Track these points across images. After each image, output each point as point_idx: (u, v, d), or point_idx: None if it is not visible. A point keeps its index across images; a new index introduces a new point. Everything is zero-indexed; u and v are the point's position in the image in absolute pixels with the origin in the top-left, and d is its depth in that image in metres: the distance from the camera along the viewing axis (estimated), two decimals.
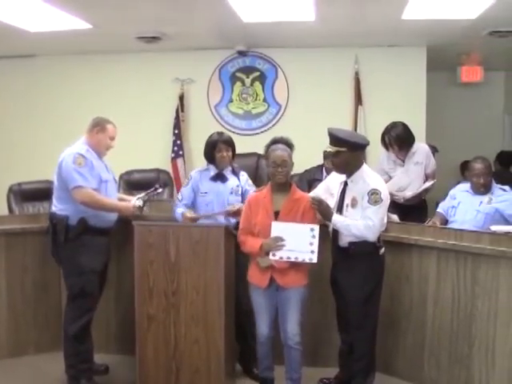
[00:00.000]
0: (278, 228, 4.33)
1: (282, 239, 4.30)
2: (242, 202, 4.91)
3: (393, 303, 4.99)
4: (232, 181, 5.08)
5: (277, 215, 4.40)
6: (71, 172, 4.66)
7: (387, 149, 6.21)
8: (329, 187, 4.79)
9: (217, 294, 4.52)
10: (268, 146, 4.50)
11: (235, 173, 5.12)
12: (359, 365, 4.53)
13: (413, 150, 6.13)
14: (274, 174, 4.40)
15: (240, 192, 5.07)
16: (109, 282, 5.21)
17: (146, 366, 4.62)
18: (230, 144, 5.04)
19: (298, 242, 4.30)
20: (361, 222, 4.31)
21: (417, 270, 4.86)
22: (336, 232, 4.50)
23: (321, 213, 4.44)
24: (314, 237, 4.30)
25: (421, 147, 6.21)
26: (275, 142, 4.49)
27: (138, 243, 4.60)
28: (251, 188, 5.10)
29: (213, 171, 5.07)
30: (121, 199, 5.09)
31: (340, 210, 4.49)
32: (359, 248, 4.40)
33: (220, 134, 5.16)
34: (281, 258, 4.33)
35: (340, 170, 4.52)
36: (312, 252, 4.30)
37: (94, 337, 4.95)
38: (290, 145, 4.49)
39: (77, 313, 4.76)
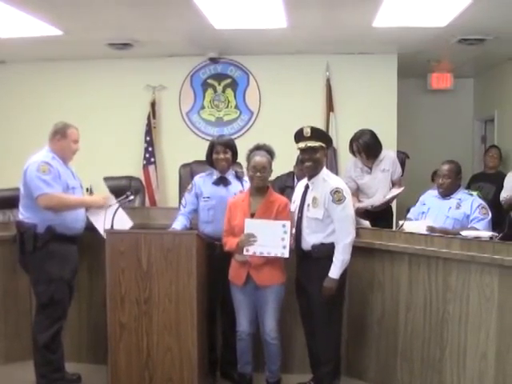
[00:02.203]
0: (250, 225, 4.47)
1: (253, 235, 4.44)
2: None
3: (365, 309, 5.00)
4: (235, 185, 5.04)
5: (253, 217, 4.56)
6: (35, 180, 4.63)
7: (355, 156, 6.23)
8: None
9: (189, 302, 4.50)
10: (250, 152, 4.65)
11: (238, 178, 5.09)
12: (326, 368, 4.59)
13: (380, 157, 6.16)
14: (253, 178, 4.58)
15: None
16: (80, 291, 5.18)
17: (118, 374, 4.58)
18: (228, 146, 5.00)
19: (270, 238, 4.43)
20: (339, 246, 4.42)
21: (389, 275, 4.88)
22: (299, 234, 4.57)
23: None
24: (285, 232, 4.42)
25: (387, 154, 6.23)
26: (257, 148, 4.66)
27: (109, 251, 4.56)
28: None
29: (215, 175, 5.04)
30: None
31: (301, 210, 4.59)
32: (322, 251, 4.47)
33: (221, 135, 5.29)
34: (254, 252, 4.46)
35: (315, 167, 4.56)
36: (284, 247, 4.43)
37: (66, 345, 4.90)
38: (271, 152, 4.66)
39: (47, 322, 4.71)
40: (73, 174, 4.96)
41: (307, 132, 4.50)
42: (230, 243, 4.58)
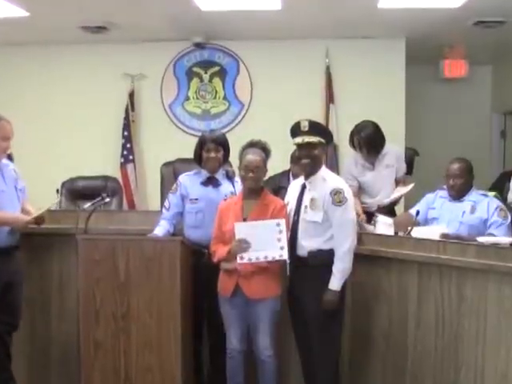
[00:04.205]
0: (241, 229, 4.46)
1: (246, 241, 4.42)
2: None
3: (370, 323, 5.00)
4: (225, 186, 5.04)
5: (245, 221, 4.55)
6: None
7: (356, 150, 6.24)
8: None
9: (172, 317, 4.50)
10: (243, 149, 4.65)
11: (229, 178, 5.09)
12: None
13: (382, 152, 6.18)
14: (245, 178, 4.58)
15: None
16: (49, 304, 5.17)
17: None
18: (220, 143, 5.00)
19: (265, 240, 4.41)
20: (338, 253, 4.43)
21: (396, 286, 4.88)
22: (294, 239, 4.57)
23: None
24: (281, 232, 4.41)
25: (391, 149, 6.25)
26: (251, 145, 4.66)
27: (82, 259, 4.57)
28: None
29: (204, 175, 5.05)
30: (26, 212, 4.93)
31: (297, 213, 4.59)
32: (319, 258, 4.48)
33: (212, 131, 5.29)
34: (249, 259, 4.45)
35: (313, 165, 4.57)
36: (281, 248, 4.42)
37: (32, 366, 4.90)
38: (266, 150, 4.67)
39: None
40: (3, 175, 4.83)
41: (305, 126, 4.50)
42: (219, 252, 4.55)
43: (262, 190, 4.67)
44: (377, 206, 6.10)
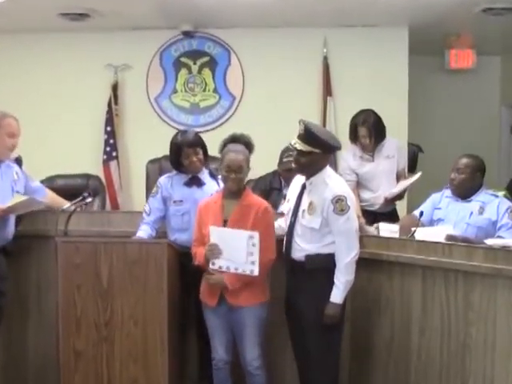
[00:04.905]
0: (216, 233, 4.47)
1: (218, 247, 4.43)
2: None
3: (370, 332, 5.01)
4: (210, 185, 5.07)
5: (225, 224, 4.54)
6: None
7: (355, 142, 6.26)
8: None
9: (159, 325, 4.51)
10: (224, 144, 4.63)
11: (213, 176, 5.13)
12: None
13: (381, 142, 6.24)
14: (227, 179, 4.55)
15: None
16: (27, 311, 5.15)
17: None
18: (197, 144, 5.02)
19: (237, 251, 4.42)
20: (340, 265, 4.43)
21: (398, 292, 4.88)
22: (288, 242, 4.59)
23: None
24: (254, 245, 4.39)
25: (390, 139, 6.34)
26: (233, 139, 4.64)
27: (62, 263, 4.56)
28: None
29: (186, 175, 5.07)
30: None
31: (295, 216, 4.59)
32: (318, 262, 4.49)
33: (183, 133, 5.18)
34: (220, 267, 4.47)
35: (302, 171, 4.59)
36: (252, 263, 4.41)
37: (8, 379, 4.89)
38: (249, 145, 4.64)
39: None
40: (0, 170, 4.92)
41: (301, 128, 4.46)
42: (199, 254, 4.57)
43: (244, 189, 4.66)
44: (378, 201, 6.09)
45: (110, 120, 8.02)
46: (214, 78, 8.13)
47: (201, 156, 5.01)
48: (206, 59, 8.13)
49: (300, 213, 4.57)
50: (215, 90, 8.14)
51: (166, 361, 4.51)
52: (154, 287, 4.50)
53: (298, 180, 4.73)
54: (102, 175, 7.79)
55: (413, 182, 6.13)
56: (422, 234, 5.00)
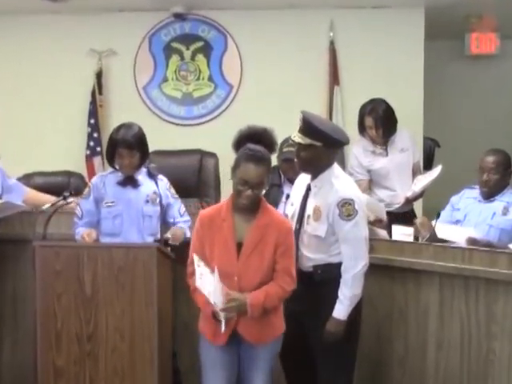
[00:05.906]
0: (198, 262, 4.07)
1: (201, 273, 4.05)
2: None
3: (382, 346, 5.02)
4: (147, 186, 5.07)
5: (240, 249, 4.14)
6: None
7: (363, 134, 6.27)
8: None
9: (148, 339, 4.49)
10: (240, 140, 4.28)
11: (151, 176, 5.10)
12: None
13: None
14: (239, 193, 4.11)
15: (158, 201, 5.04)
16: (1, 324, 5.16)
17: None
18: (135, 147, 4.95)
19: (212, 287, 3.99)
20: (346, 277, 4.37)
21: (413, 302, 4.89)
22: (296, 251, 4.46)
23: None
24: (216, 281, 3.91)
25: (401, 130, 6.37)
26: (253, 135, 4.25)
27: (40, 270, 4.54)
28: (174, 198, 5.16)
29: (121, 174, 5.06)
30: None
31: (300, 222, 4.55)
32: (328, 273, 4.45)
33: (125, 129, 5.03)
34: (202, 291, 4.07)
35: (304, 167, 4.58)
36: (214, 303, 4.02)
37: None
38: (272, 146, 4.30)
39: None
40: None
41: (300, 119, 4.44)
42: (201, 301, 4.16)
43: (260, 201, 4.22)
44: (396, 201, 6.08)
45: (94, 112, 8.02)
46: (208, 65, 8.12)
47: (135, 160, 4.96)
48: (199, 44, 8.12)
49: (305, 219, 4.53)
50: (210, 79, 8.14)
51: (155, 378, 4.49)
52: (143, 296, 4.49)
53: (302, 180, 4.70)
54: (84, 172, 7.79)
55: (435, 177, 6.08)
56: (442, 230, 4.96)
